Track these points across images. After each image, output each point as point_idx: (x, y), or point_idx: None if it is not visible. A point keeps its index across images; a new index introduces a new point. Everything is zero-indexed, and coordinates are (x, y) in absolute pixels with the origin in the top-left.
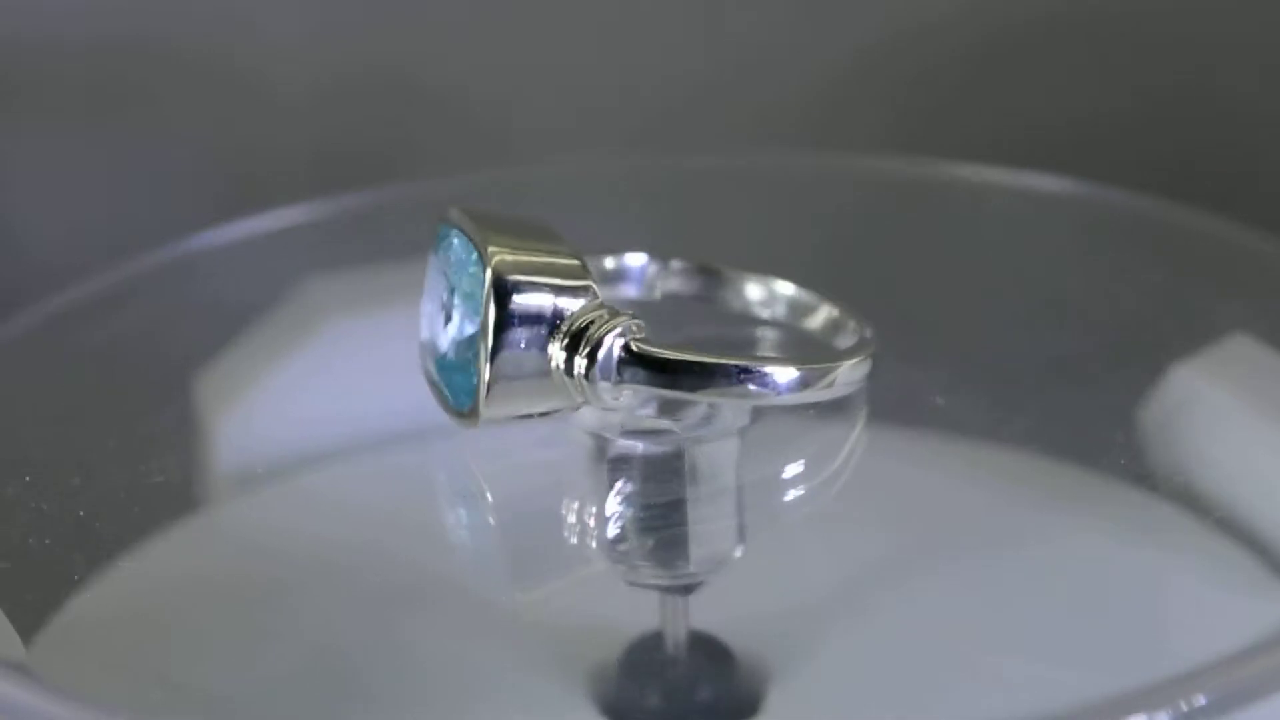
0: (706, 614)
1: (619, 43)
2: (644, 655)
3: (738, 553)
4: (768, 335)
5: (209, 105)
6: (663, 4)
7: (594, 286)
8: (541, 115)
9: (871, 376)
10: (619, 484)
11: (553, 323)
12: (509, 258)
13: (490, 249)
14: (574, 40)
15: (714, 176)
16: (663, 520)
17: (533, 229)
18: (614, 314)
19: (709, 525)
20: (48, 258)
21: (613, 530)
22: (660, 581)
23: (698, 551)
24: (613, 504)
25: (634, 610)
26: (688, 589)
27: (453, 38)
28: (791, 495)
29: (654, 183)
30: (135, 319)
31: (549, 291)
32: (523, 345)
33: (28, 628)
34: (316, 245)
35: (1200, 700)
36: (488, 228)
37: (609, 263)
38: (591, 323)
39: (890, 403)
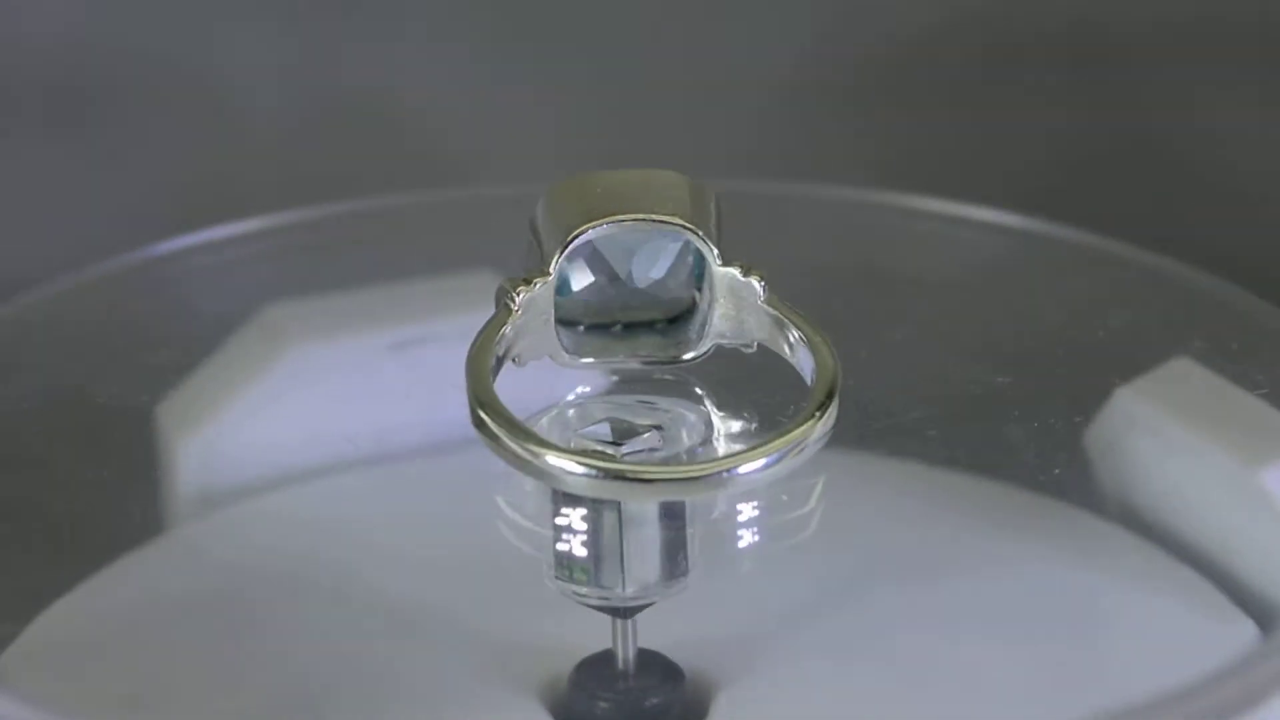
0: (656, 635)
1: (589, 67)
2: (594, 672)
3: (687, 575)
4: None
5: (172, 121)
6: (632, 27)
7: (553, 260)
8: (506, 141)
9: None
10: (568, 507)
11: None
12: (559, 189)
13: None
14: (544, 67)
15: None
16: (610, 542)
17: (651, 202)
18: (516, 288)
19: (655, 547)
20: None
21: (563, 552)
22: (609, 603)
23: (645, 574)
24: (562, 525)
25: (586, 631)
26: (636, 610)
27: (421, 62)
28: (741, 519)
29: None
30: (94, 332)
31: (537, 237)
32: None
33: None
34: (277, 262)
35: None
36: (621, 176)
37: None
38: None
39: (838, 429)
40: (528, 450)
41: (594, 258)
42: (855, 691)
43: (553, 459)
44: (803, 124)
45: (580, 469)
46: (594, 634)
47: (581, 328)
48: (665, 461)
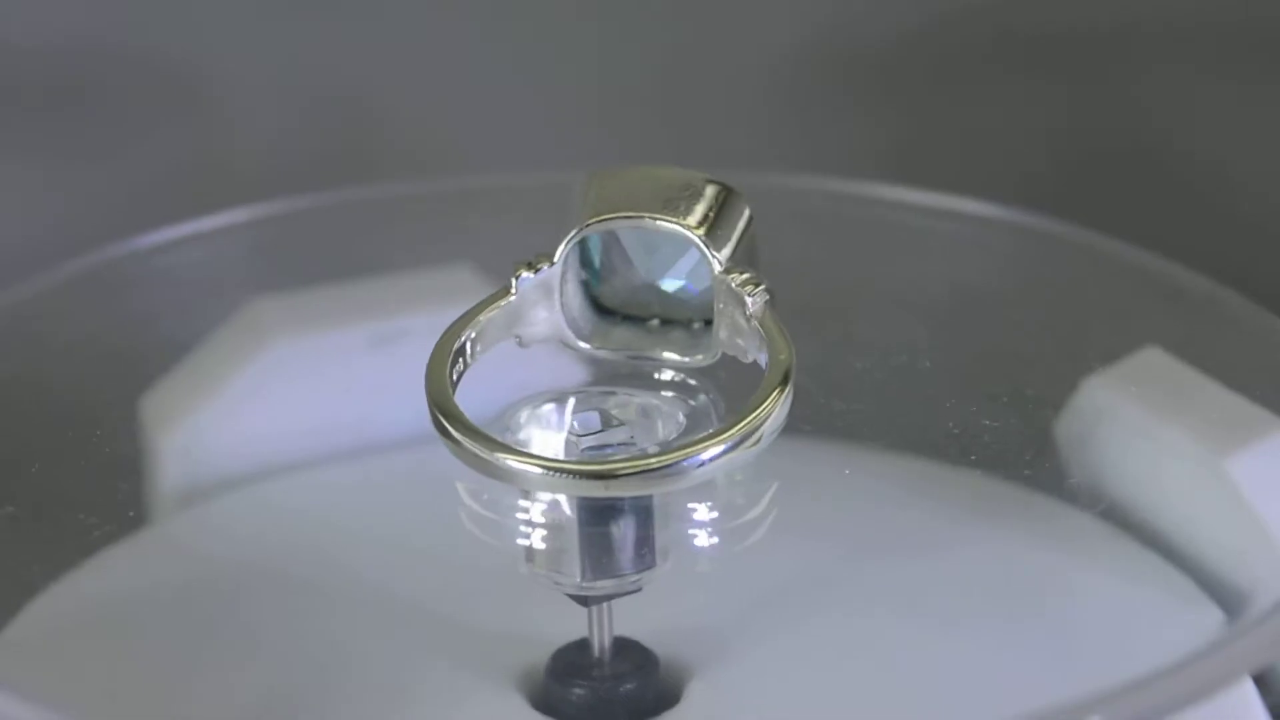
0: (631, 623)
1: (578, 63)
2: (570, 659)
3: (654, 567)
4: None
5: (159, 114)
6: (622, 20)
7: (561, 248)
8: (493, 135)
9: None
10: (534, 499)
11: None
12: (597, 176)
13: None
14: (530, 65)
15: None
16: (572, 533)
17: (663, 203)
18: (519, 270)
19: (620, 538)
20: None
21: (538, 541)
22: (586, 591)
23: (609, 564)
24: (529, 516)
25: (562, 619)
26: (602, 599)
27: (411, 58)
28: (716, 508)
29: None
30: (77, 325)
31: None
32: None
33: None
34: (259, 256)
35: None
36: (648, 173)
37: None
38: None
39: (809, 416)
40: (482, 451)
41: (620, 252)
42: (827, 678)
43: (505, 459)
44: (794, 117)
45: (538, 470)
46: (571, 622)
47: (619, 316)
48: (628, 456)
